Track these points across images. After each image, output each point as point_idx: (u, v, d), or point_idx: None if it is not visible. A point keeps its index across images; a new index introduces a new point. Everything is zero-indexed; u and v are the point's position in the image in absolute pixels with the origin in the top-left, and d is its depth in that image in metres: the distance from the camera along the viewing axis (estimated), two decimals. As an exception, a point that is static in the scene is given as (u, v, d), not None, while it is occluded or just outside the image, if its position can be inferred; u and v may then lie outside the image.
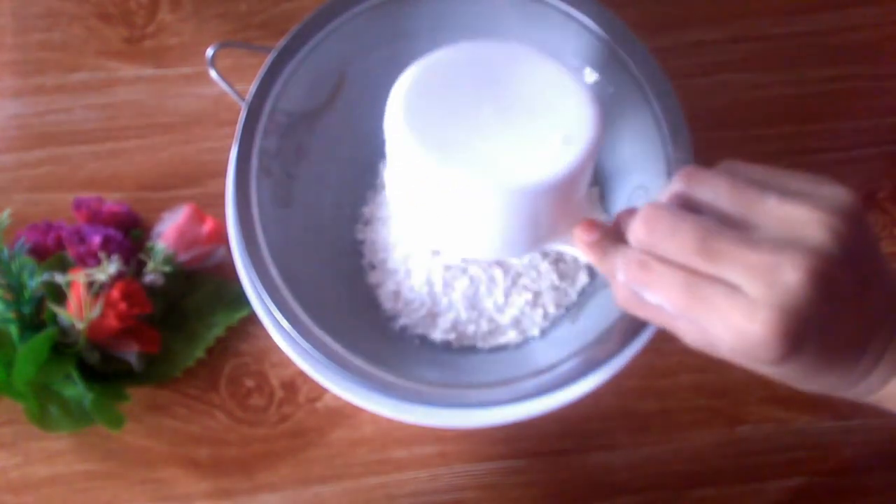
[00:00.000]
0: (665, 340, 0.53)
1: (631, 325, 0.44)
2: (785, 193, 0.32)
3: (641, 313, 0.35)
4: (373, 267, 0.51)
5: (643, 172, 0.48)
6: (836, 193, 0.32)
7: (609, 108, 0.50)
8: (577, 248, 0.37)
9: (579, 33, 0.48)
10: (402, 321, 0.50)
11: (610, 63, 0.48)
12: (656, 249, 0.32)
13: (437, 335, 0.49)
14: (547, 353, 0.48)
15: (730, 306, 0.30)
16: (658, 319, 0.34)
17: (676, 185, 0.34)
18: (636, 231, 0.33)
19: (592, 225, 0.36)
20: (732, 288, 0.31)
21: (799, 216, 0.31)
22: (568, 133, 0.36)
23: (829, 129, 0.59)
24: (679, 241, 0.32)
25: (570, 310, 0.50)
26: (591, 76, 0.50)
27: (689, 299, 0.31)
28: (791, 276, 0.30)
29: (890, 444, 0.53)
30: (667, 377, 0.54)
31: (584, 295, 0.50)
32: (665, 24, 0.60)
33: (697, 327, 0.32)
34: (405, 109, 0.37)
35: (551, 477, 0.53)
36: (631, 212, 0.35)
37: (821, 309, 0.30)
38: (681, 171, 0.34)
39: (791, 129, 0.59)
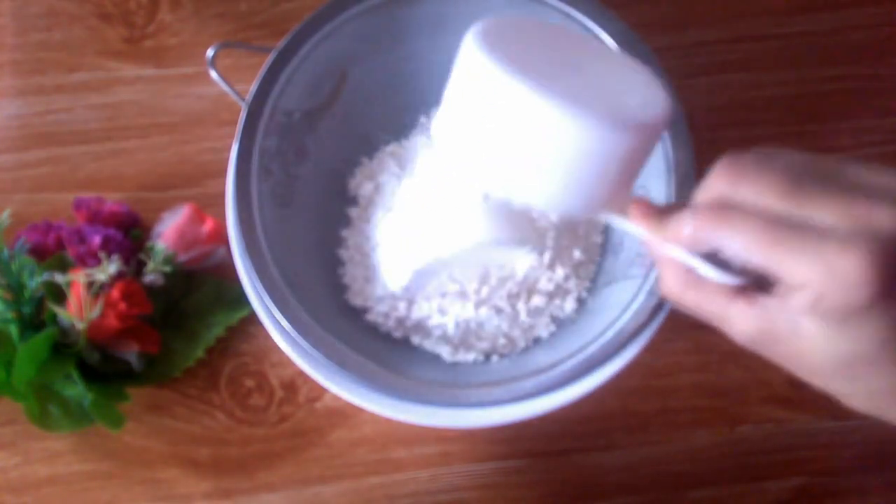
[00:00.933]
0: (665, 340, 0.53)
1: (631, 326, 0.44)
2: (860, 168, 0.31)
3: (692, 299, 0.33)
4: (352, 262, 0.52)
5: (643, 172, 0.48)
6: None
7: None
8: (630, 219, 0.35)
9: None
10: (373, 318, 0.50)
11: (610, 63, 0.48)
12: (736, 196, 0.31)
13: (418, 340, 0.49)
14: (547, 353, 0.48)
15: (820, 241, 0.29)
16: (709, 307, 0.33)
17: (717, 185, 0.32)
18: (717, 177, 0.31)
19: (647, 200, 0.35)
20: (823, 228, 0.29)
21: (886, 181, 0.30)
22: (644, 101, 0.36)
23: (829, 129, 0.59)
24: (766, 183, 0.30)
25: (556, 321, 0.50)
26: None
27: (773, 240, 0.30)
28: (887, 221, 0.29)
29: (890, 445, 0.53)
30: (667, 377, 0.54)
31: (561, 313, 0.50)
32: (665, 24, 0.60)
33: (753, 313, 0.31)
34: (488, 46, 0.34)
35: (551, 477, 0.53)
36: (677, 205, 0.34)
37: None
38: (721, 164, 0.32)
39: (791, 129, 0.59)
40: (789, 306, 0.31)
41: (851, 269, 0.29)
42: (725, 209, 0.31)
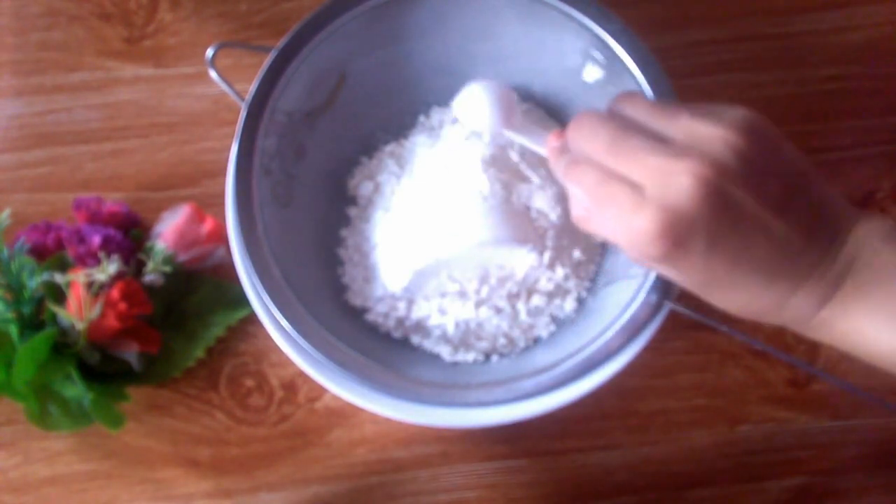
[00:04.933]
0: (665, 340, 0.53)
1: (631, 326, 0.44)
2: (695, 112, 0.35)
3: (593, 226, 0.37)
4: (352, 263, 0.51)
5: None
6: (738, 113, 0.35)
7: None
8: (544, 149, 0.41)
9: (579, 33, 0.48)
10: (375, 318, 0.50)
11: (610, 63, 0.48)
12: (582, 152, 0.37)
13: (417, 340, 0.49)
14: (547, 353, 0.48)
15: (626, 201, 0.34)
16: (605, 229, 0.37)
17: (611, 104, 0.38)
18: (569, 134, 0.38)
19: (560, 134, 0.40)
20: (635, 187, 0.34)
21: (704, 131, 0.34)
22: None
23: (829, 129, 0.59)
24: (594, 143, 0.36)
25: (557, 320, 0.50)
26: (591, 75, 0.50)
27: (598, 193, 0.35)
28: (683, 179, 0.33)
29: (890, 444, 0.53)
30: (667, 377, 0.54)
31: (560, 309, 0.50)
32: (665, 24, 0.60)
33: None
34: None
35: (551, 477, 0.53)
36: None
37: (712, 215, 0.33)
38: (619, 93, 0.38)
39: (791, 129, 0.58)
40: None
41: (642, 231, 0.34)
42: (576, 162, 0.37)
